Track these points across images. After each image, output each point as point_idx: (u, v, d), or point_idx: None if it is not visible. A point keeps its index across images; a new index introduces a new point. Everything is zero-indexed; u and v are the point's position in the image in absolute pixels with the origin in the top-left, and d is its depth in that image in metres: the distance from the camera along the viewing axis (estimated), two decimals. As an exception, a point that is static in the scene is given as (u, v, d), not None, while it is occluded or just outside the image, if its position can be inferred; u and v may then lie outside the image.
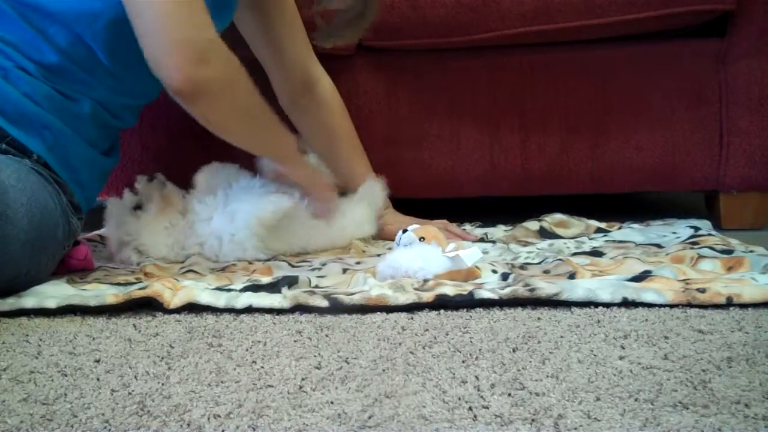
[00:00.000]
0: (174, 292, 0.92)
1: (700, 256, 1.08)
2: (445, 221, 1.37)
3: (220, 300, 0.90)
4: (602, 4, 1.39)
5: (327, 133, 1.38)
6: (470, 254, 0.98)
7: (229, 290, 0.94)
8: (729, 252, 1.10)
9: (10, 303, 0.90)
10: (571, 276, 0.99)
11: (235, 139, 1.11)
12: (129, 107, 1.16)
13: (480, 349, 0.72)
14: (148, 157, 1.52)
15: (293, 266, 1.15)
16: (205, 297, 0.90)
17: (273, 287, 0.94)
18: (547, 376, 0.64)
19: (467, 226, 1.44)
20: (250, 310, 0.89)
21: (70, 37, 1.02)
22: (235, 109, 1.07)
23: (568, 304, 0.87)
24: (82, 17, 1.01)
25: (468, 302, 0.88)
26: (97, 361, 0.72)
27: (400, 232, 1.06)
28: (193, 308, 0.90)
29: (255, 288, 0.94)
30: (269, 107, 1.11)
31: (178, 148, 1.51)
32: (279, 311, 0.88)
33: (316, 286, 0.99)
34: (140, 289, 0.91)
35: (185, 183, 1.22)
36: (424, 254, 1.00)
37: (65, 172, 1.06)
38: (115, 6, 0.99)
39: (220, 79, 1.01)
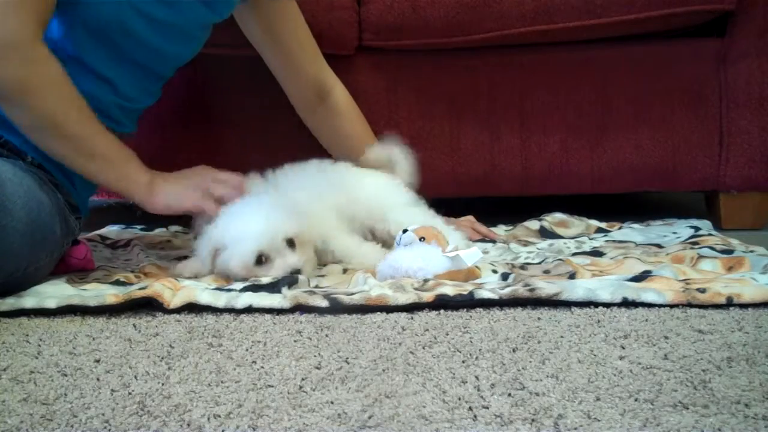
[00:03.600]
0: (174, 292, 0.92)
1: (701, 256, 1.08)
2: (472, 218, 1.37)
3: (220, 300, 0.90)
4: (602, 4, 1.39)
5: (347, 142, 1.36)
6: (470, 254, 0.98)
7: (229, 290, 0.94)
8: (729, 252, 1.10)
9: (10, 303, 0.90)
10: (571, 276, 0.99)
11: (44, 150, 1.03)
12: (122, 108, 1.14)
13: (480, 349, 0.72)
14: (143, 160, 1.51)
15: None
16: (205, 297, 0.90)
17: (273, 287, 0.94)
18: (547, 376, 0.64)
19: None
20: (250, 310, 0.89)
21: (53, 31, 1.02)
22: (29, 118, 0.98)
23: (568, 304, 0.87)
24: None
25: (468, 302, 0.88)
26: (97, 361, 0.72)
27: (401, 231, 1.06)
28: (193, 308, 0.90)
29: (255, 288, 0.94)
30: (97, 131, 1.01)
31: (171, 153, 1.51)
32: (279, 311, 0.88)
33: (316, 286, 0.99)
34: (140, 289, 0.91)
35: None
36: (424, 254, 1.00)
37: (60, 174, 1.06)
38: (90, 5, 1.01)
39: (8, 81, 0.95)
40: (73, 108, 0.99)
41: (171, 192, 1.07)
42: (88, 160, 1.02)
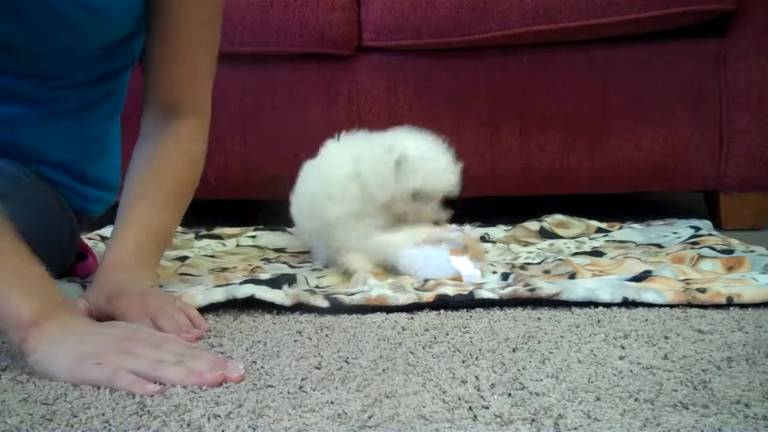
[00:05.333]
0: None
1: (701, 256, 1.08)
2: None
3: (220, 294, 0.89)
4: (602, 4, 1.39)
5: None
6: (470, 276, 0.98)
7: (229, 285, 0.93)
8: (729, 252, 1.10)
9: (10, 303, 0.90)
10: (572, 276, 0.99)
11: None
12: (45, 87, 0.94)
13: (480, 349, 0.72)
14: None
15: (293, 267, 1.14)
16: (207, 296, 0.89)
17: (273, 283, 0.93)
18: (547, 376, 0.64)
19: (467, 227, 1.44)
20: (250, 305, 0.88)
21: None
22: None
23: (568, 304, 0.87)
24: None
25: (468, 302, 0.88)
26: (97, 361, 0.72)
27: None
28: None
29: (256, 282, 0.94)
30: None
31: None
32: (279, 311, 0.88)
33: (317, 286, 0.99)
34: (140, 289, 0.91)
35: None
36: (430, 256, 1.00)
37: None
38: None
39: None
40: None
41: (58, 355, 0.67)
42: None
